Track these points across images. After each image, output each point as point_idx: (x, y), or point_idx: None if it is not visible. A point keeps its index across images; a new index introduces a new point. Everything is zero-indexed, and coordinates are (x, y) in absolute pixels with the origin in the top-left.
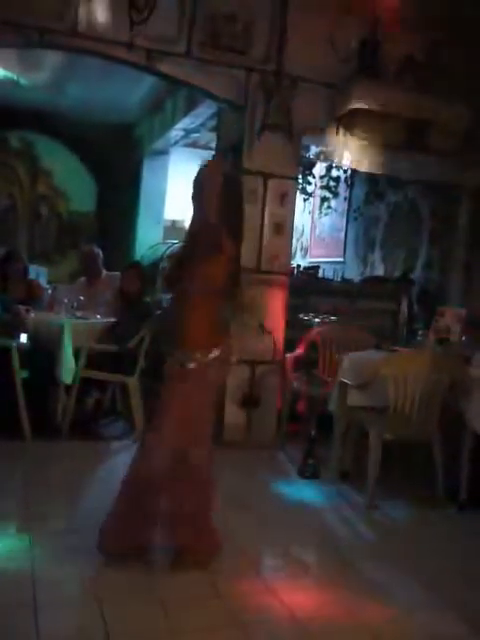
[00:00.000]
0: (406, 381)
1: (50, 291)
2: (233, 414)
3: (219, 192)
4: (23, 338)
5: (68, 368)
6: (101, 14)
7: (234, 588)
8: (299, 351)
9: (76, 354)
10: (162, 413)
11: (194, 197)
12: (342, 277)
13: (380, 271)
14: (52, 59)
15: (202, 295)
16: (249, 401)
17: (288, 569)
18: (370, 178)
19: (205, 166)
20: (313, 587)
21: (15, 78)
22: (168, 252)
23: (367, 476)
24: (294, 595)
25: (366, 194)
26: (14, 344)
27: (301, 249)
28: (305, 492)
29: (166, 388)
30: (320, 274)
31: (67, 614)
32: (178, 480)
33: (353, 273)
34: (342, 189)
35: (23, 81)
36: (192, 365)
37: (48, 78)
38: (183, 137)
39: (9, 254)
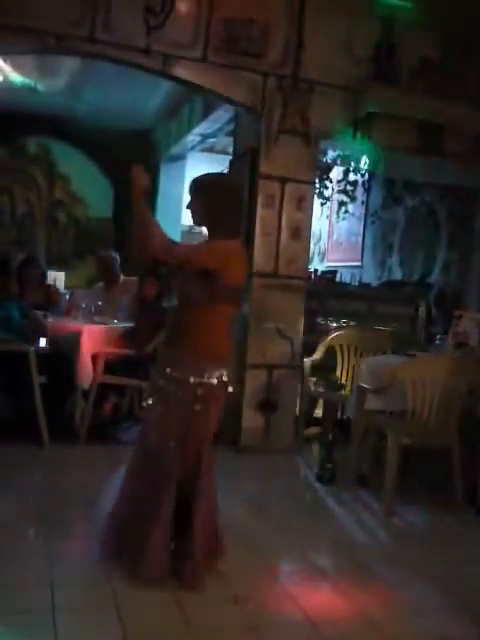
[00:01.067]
0: (424, 385)
1: (68, 296)
2: (251, 419)
3: (219, 197)
4: (41, 343)
5: (86, 373)
6: (118, 20)
7: (251, 591)
8: (317, 356)
9: (94, 359)
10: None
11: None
12: (360, 281)
13: (398, 275)
14: (69, 65)
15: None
16: (267, 406)
17: (305, 573)
18: (387, 182)
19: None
20: (329, 591)
21: (32, 84)
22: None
23: (385, 481)
24: (310, 599)
25: (383, 198)
26: (32, 349)
27: (319, 253)
28: (323, 496)
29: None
30: (337, 278)
31: (85, 616)
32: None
33: (371, 277)
34: (359, 193)
35: (40, 87)
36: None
37: (65, 84)
38: (200, 142)
39: (27, 260)
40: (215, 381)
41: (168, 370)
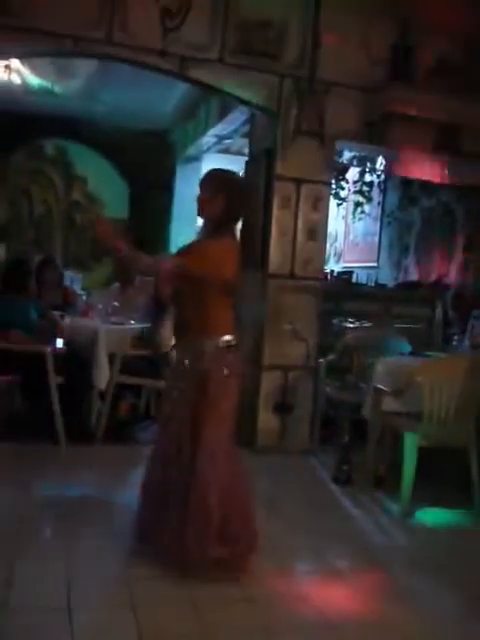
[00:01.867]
0: (441, 387)
1: (85, 297)
2: (266, 420)
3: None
4: (58, 344)
5: (102, 373)
6: (134, 22)
7: (267, 592)
8: (333, 357)
9: (110, 359)
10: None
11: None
12: (376, 282)
13: (414, 276)
14: (86, 67)
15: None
16: (282, 407)
17: (321, 574)
18: (404, 182)
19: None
20: (346, 593)
21: (50, 86)
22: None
23: (402, 482)
24: (327, 600)
25: (400, 198)
26: (49, 350)
27: (334, 254)
28: (339, 497)
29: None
30: (353, 279)
31: (100, 615)
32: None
33: (387, 278)
34: (375, 194)
35: (57, 89)
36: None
37: (82, 86)
38: (216, 143)
39: (45, 261)
40: (221, 344)
41: (186, 361)
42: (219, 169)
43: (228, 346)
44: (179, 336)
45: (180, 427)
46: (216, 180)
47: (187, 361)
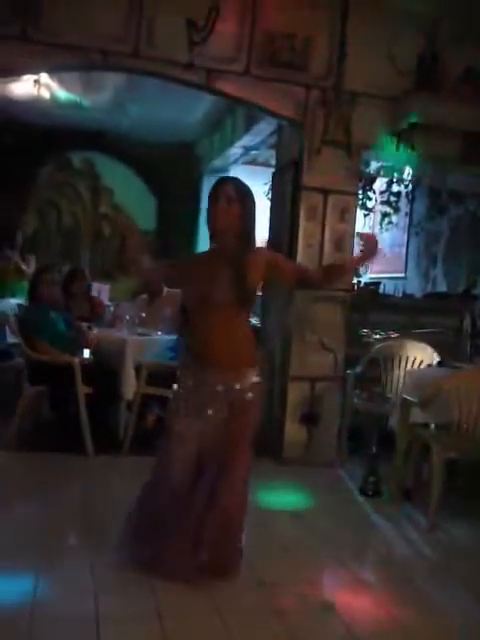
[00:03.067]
0: (470, 398)
1: (112, 308)
2: (293, 431)
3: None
4: (85, 354)
5: (129, 384)
6: (161, 35)
7: (293, 603)
8: (360, 368)
9: (137, 370)
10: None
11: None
12: (403, 293)
13: (442, 286)
14: (113, 80)
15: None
16: (309, 418)
17: (347, 585)
18: (431, 192)
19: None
20: (372, 605)
21: (77, 100)
22: None
23: (430, 495)
24: (352, 612)
25: (427, 209)
26: (77, 360)
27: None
28: (366, 509)
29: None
30: (381, 290)
31: (128, 628)
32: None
33: (415, 289)
34: (403, 204)
35: (85, 103)
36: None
37: (109, 99)
38: (243, 155)
39: (73, 272)
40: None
41: (221, 386)
42: (237, 178)
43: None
44: (215, 359)
45: (203, 447)
46: (243, 190)
47: (221, 386)
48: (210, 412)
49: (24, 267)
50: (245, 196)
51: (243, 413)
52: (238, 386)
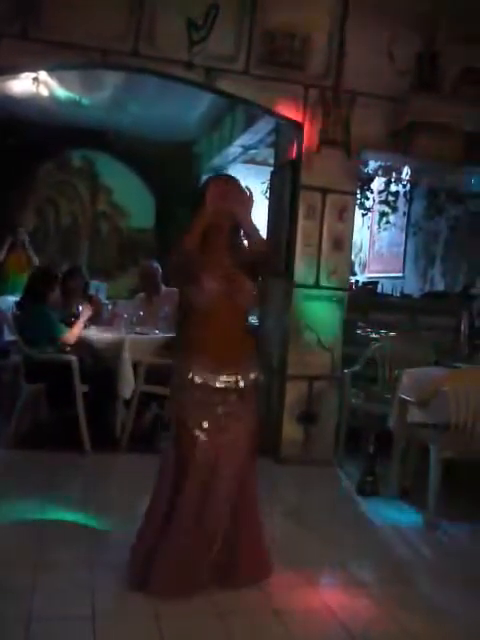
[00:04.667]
0: (467, 397)
1: (110, 307)
2: (291, 430)
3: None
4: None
5: (127, 382)
6: (161, 34)
7: (291, 603)
8: (357, 367)
9: (135, 368)
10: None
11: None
12: (401, 292)
13: (440, 286)
14: (112, 79)
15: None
16: (307, 417)
17: (345, 586)
18: (429, 192)
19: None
20: (370, 604)
21: (77, 98)
22: None
23: (428, 494)
24: (350, 612)
25: (425, 208)
26: (74, 359)
27: (360, 264)
28: (364, 509)
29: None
30: (379, 289)
31: (124, 624)
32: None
33: (413, 288)
34: (401, 204)
35: (84, 101)
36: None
37: (108, 98)
38: (241, 153)
39: (71, 270)
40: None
41: (237, 379)
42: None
43: None
44: (231, 358)
45: (222, 440)
46: (247, 191)
47: (233, 383)
48: (220, 411)
49: (36, 261)
50: (251, 197)
51: (250, 411)
52: (246, 382)
